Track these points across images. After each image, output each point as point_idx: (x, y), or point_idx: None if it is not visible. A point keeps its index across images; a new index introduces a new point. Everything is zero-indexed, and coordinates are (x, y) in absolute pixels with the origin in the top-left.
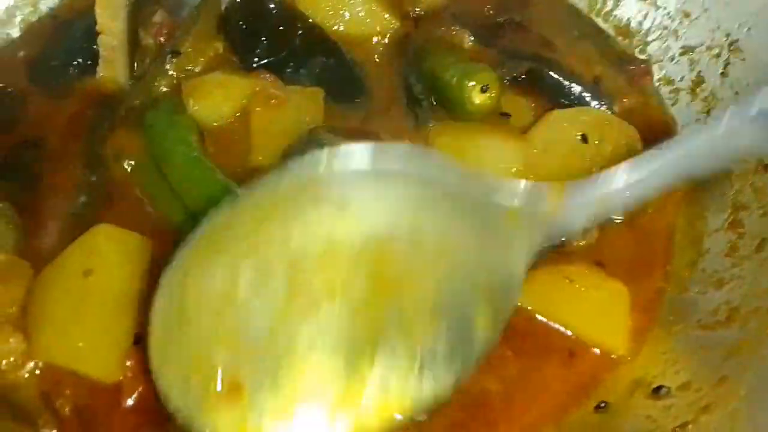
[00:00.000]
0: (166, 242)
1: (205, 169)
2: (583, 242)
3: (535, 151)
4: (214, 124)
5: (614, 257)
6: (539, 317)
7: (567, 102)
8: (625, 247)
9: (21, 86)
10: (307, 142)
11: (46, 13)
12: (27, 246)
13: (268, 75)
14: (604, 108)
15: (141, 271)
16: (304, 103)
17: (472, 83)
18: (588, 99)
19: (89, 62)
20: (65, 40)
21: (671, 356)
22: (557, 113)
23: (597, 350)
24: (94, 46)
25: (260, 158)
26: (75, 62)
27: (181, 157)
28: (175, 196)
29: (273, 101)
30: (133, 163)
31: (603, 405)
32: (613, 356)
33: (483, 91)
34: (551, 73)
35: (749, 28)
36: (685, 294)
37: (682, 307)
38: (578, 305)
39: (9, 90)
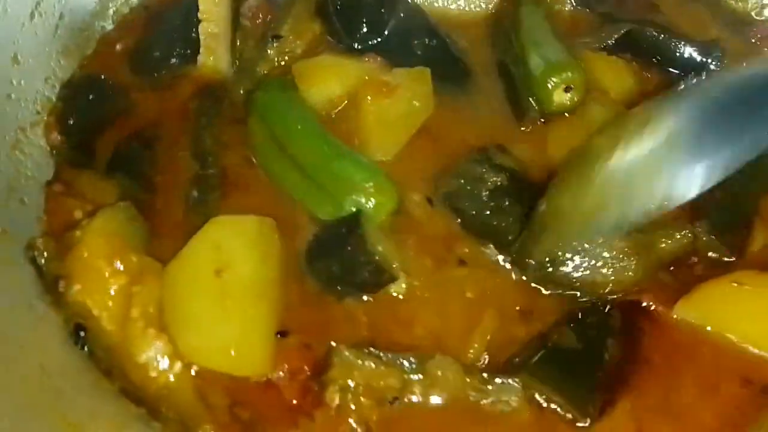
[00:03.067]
0: (294, 222)
1: (333, 145)
2: (756, 248)
3: None
4: (325, 109)
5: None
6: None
7: (673, 66)
8: None
9: (123, 79)
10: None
11: (137, 3)
12: (151, 244)
13: (375, 57)
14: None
15: (272, 254)
16: (413, 87)
17: (554, 80)
18: (699, 60)
19: (188, 51)
20: (163, 30)
21: None
22: None
23: None
24: (193, 34)
25: (379, 154)
26: (175, 52)
27: (307, 135)
28: (304, 175)
29: (384, 89)
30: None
31: None
32: None
33: (566, 91)
34: (659, 34)
35: None
36: None
37: None
38: (758, 310)
39: (111, 82)
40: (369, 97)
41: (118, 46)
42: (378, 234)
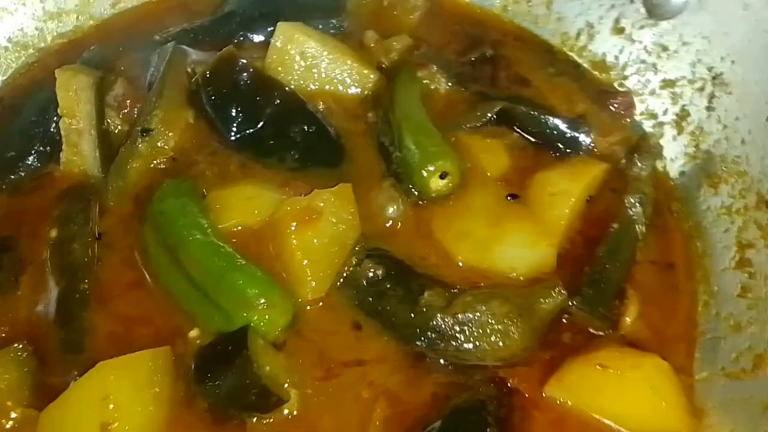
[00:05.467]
0: (183, 334)
1: (226, 256)
2: (629, 320)
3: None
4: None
5: (639, 328)
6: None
7: (544, 141)
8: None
9: None
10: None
11: None
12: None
13: (296, 185)
14: (586, 140)
15: (164, 390)
16: (337, 208)
17: (429, 168)
18: (569, 135)
19: (49, 148)
20: (17, 126)
21: (700, 408)
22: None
23: None
24: (52, 129)
25: (313, 293)
26: (33, 150)
27: (199, 246)
28: (196, 286)
29: (307, 217)
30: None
31: None
32: None
33: (442, 177)
34: (529, 110)
35: (733, 62)
36: (701, 339)
37: (702, 353)
38: (620, 394)
39: None
40: (293, 229)
41: None
42: (266, 352)
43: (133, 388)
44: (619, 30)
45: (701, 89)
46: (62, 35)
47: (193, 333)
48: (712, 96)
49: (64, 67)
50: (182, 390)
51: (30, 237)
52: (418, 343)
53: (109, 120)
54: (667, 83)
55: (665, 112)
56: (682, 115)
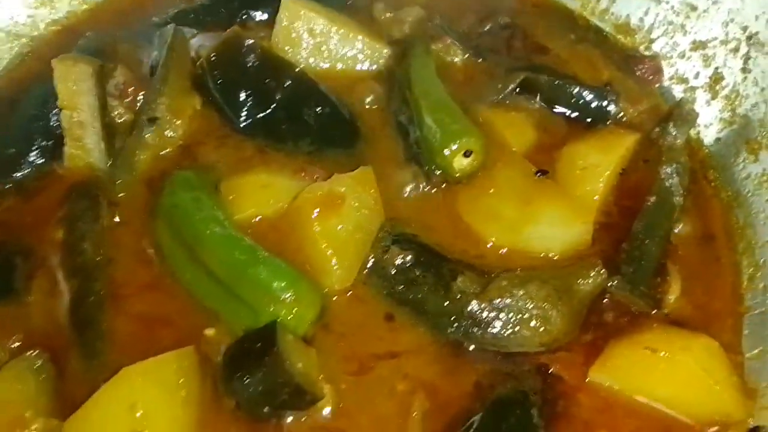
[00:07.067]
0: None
1: (247, 249)
2: (672, 297)
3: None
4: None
5: (682, 305)
6: (638, 398)
7: (570, 112)
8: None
9: None
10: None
11: None
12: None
13: (312, 170)
14: (614, 110)
15: (193, 391)
16: (359, 193)
17: (452, 147)
18: (596, 105)
19: (51, 142)
20: (16, 121)
21: (753, 388)
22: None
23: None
24: (53, 123)
25: (340, 282)
26: (35, 147)
27: (217, 240)
28: (218, 283)
29: (329, 202)
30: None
31: None
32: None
33: (466, 156)
34: (553, 80)
35: None
36: (749, 314)
37: (751, 330)
38: (670, 377)
39: None
40: (315, 216)
41: None
42: (297, 348)
43: (160, 393)
44: None
45: (735, 50)
46: (56, 22)
47: (209, 331)
48: (747, 57)
49: (61, 57)
50: (210, 390)
51: (39, 239)
52: (452, 331)
53: (112, 112)
54: (698, 45)
55: (697, 76)
56: (716, 79)
